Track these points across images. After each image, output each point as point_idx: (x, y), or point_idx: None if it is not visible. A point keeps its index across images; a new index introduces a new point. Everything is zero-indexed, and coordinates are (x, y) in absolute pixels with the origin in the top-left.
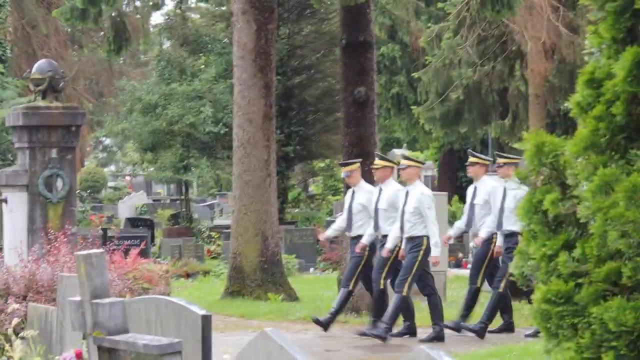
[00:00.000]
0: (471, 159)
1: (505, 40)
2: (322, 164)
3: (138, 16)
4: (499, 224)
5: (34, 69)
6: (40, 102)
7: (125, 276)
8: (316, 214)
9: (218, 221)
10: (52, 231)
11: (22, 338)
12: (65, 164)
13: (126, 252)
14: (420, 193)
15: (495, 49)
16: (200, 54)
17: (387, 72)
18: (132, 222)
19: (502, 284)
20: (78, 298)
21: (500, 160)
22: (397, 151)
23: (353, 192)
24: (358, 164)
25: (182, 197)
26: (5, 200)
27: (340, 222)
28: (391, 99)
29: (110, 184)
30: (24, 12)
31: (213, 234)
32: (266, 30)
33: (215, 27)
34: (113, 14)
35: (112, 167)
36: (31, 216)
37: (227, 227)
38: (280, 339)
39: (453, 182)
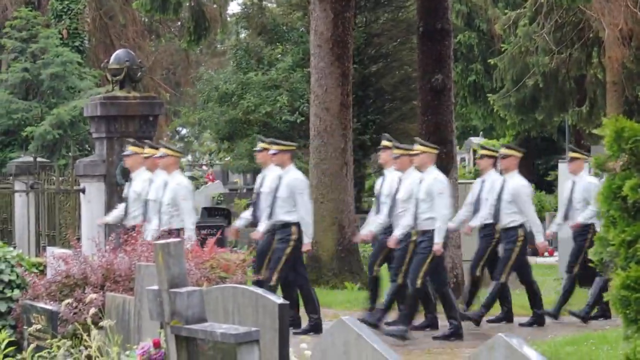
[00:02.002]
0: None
1: (583, 27)
2: None
3: (215, 6)
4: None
5: (111, 59)
6: (118, 92)
7: (203, 265)
8: None
9: None
10: None
11: (100, 328)
12: None
13: (203, 242)
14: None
15: (572, 36)
16: (277, 43)
17: (463, 59)
18: (209, 211)
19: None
20: (156, 287)
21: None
22: (473, 139)
23: (131, 180)
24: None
25: None
26: (83, 190)
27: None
28: (468, 86)
29: (187, 173)
30: (101, 2)
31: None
32: (343, 18)
33: (292, 16)
34: (192, 4)
35: (189, 157)
36: (108, 206)
37: None
38: (358, 328)
39: (530, 169)
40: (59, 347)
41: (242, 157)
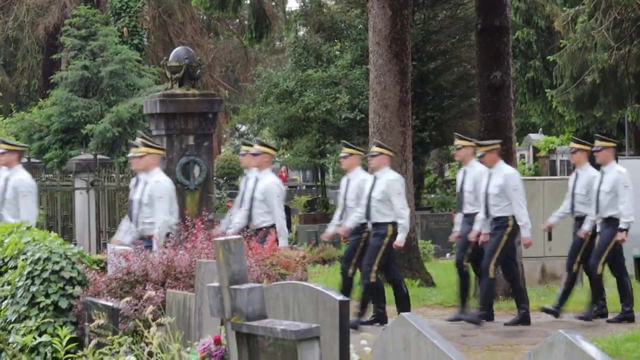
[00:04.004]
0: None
1: None
2: None
3: (274, 3)
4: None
5: (170, 57)
6: (177, 90)
7: (263, 262)
8: (452, 199)
9: None
10: (189, 218)
11: (161, 324)
12: (202, 151)
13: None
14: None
15: (631, 32)
16: (336, 40)
17: (522, 56)
18: None
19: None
20: (216, 284)
21: (599, 143)
22: (533, 136)
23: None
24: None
25: (318, 183)
26: None
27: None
28: (526, 83)
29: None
30: (160, 0)
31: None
32: (401, 15)
33: (350, 13)
34: (253, 2)
35: None
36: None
37: None
38: (418, 324)
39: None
40: (120, 344)
41: (302, 154)
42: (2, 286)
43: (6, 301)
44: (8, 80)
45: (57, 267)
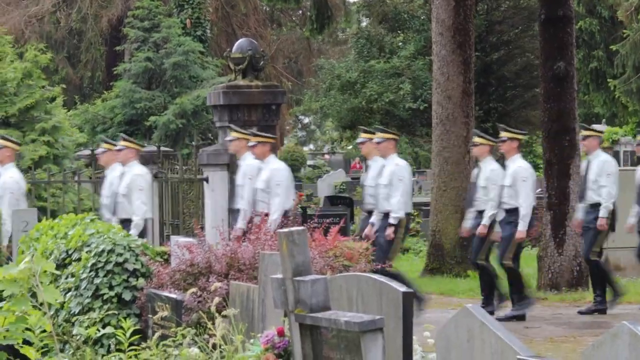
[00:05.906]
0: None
1: None
2: None
3: None
4: None
5: (234, 48)
6: (241, 81)
7: (326, 254)
8: None
9: (417, 198)
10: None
11: (225, 316)
12: None
13: (326, 230)
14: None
15: None
16: (399, 31)
17: (585, 46)
18: (332, 200)
19: None
20: (280, 276)
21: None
22: (596, 126)
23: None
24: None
25: None
26: (207, 179)
27: None
28: (590, 73)
29: (310, 162)
30: None
31: (412, 211)
32: (465, 6)
33: (414, 4)
34: None
35: (311, 146)
36: (232, 195)
37: (426, 204)
38: (482, 316)
39: None
40: (183, 336)
41: None
42: (66, 278)
43: (70, 293)
44: (72, 72)
45: (120, 259)
